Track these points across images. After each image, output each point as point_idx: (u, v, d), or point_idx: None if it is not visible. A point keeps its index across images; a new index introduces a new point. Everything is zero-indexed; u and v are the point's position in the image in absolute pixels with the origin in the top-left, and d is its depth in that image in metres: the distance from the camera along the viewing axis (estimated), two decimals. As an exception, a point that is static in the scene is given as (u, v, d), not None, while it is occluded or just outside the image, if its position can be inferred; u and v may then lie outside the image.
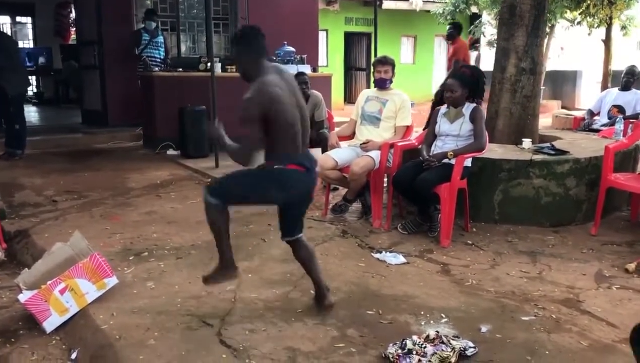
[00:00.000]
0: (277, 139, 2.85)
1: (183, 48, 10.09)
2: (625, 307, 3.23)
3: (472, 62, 11.81)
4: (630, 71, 6.59)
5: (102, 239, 4.26)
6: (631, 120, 5.92)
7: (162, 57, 8.91)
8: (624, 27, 13.29)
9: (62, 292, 3.10)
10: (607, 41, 13.30)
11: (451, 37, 8.79)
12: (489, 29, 14.98)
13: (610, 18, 12.62)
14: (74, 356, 2.83)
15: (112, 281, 3.31)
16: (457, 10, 14.72)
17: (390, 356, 2.59)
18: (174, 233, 4.41)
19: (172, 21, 9.85)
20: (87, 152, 7.99)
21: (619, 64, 11.99)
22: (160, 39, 8.97)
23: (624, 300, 3.31)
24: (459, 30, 8.80)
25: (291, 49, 8.59)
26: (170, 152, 7.72)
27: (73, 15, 13.06)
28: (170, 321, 2.99)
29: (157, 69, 8.49)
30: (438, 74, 18.19)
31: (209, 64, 7.26)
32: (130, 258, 3.91)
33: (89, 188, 5.82)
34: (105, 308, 3.14)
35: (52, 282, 3.10)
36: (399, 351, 2.60)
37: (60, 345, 2.96)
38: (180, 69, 8.26)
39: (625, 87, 6.57)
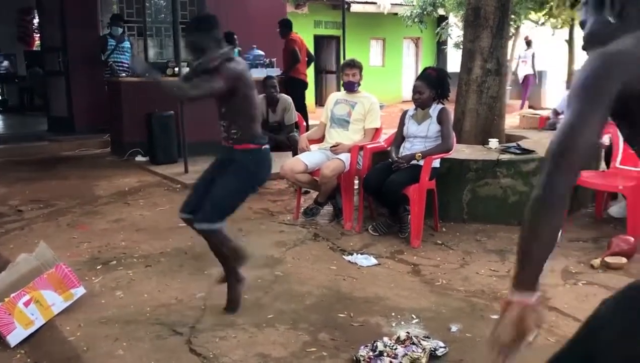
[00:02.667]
0: (251, 118, 3.06)
1: (151, 53, 9.97)
2: (590, 302, 3.29)
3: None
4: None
5: (69, 249, 4.19)
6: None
7: (129, 63, 8.80)
8: (586, 28, 13.56)
9: (26, 304, 3.02)
10: (570, 41, 13.58)
11: (284, 35, 8.66)
12: (455, 30, 15.16)
13: (573, 19, 12.88)
14: (40, 369, 2.77)
15: (79, 291, 3.25)
16: (425, 12, 14.90)
17: (362, 359, 2.60)
18: (142, 241, 4.35)
19: (139, 26, 9.74)
20: (54, 160, 7.85)
21: (581, 64, 12.24)
22: (127, 44, 8.87)
23: (589, 296, 3.37)
24: (288, 27, 8.66)
25: (260, 52, 8.58)
26: (139, 158, 7.62)
27: (37, 21, 12.82)
28: (140, 330, 2.95)
29: (124, 74, 8.39)
30: (407, 76, 18.37)
31: (176, 69, 7.19)
32: (98, 267, 3.84)
33: (55, 197, 5.72)
34: (72, 319, 3.08)
35: (16, 295, 3.02)
36: (370, 353, 2.61)
37: (25, 358, 2.88)
38: (147, 75, 8.15)
39: (588, 87, 6.70)
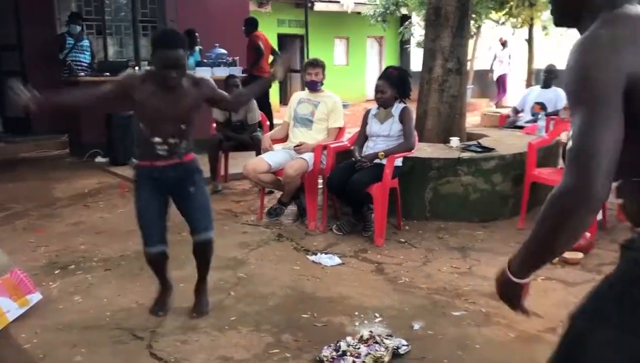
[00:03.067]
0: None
1: (110, 52, 9.79)
2: (549, 297, 3.36)
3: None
4: (549, 70, 6.88)
5: (26, 253, 4.07)
6: (552, 117, 6.18)
7: (88, 62, 8.61)
8: (544, 27, 13.89)
9: (-20, 311, 2.93)
10: (529, 41, 13.86)
11: (248, 33, 8.68)
12: (418, 30, 15.32)
13: (532, 19, 13.16)
14: (-6, 379, 2.69)
15: (35, 297, 3.16)
16: (388, 11, 15.01)
17: (325, 359, 2.59)
18: (102, 244, 4.26)
19: (98, 24, 9.55)
20: (10, 162, 7.63)
21: (541, 63, 12.53)
22: (86, 42, 8.68)
23: (548, 291, 3.44)
24: (253, 25, 8.67)
25: (223, 51, 8.51)
26: (99, 159, 7.46)
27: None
28: (99, 336, 2.88)
29: (83, 73, 8.19)
30: (371, 75, 18.46)
31: (136, 68, 7.07)
32: (56, 272, 3.75)
33: (11, 200, 5.55)
34: (28, 326, 2.99)
35: (-31, 302, 2.93)
36: (334, 353, 2.61)
37: (-21, 368, 2.80)
38: (108, 73, 7.99)
39: (545, 85, 6.85)
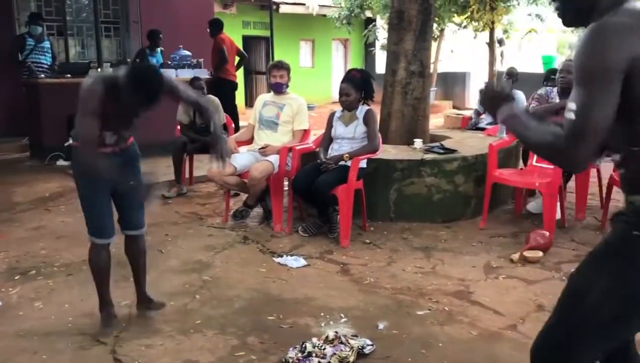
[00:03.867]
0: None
1: (72, 53, 9.63)
2: (510, 295, 3.44)
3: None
4: (510, 72, 7.04)
5: (-16, 259, 3.98)
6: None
7: (49, 63, 8.42)
8: (505, 31, 14.18)
9: (-64, 319, 2.85)
10: (490, 44, 14.12)
11: (213, 34, 8.69)
12: (382, 33, 15.45)
13: (493, 22, 13.40)
14: (-49, 388, 2.62)
15: (-6, 304, 3.10)
16: (352, 14, 15.10)
17: (291, 360, 2.61)
18: (64, 249, 4.19)
19: (59, 25, 9.38)
20: (-33, 166, 7.42)
21: (502, 65, 12.79)
22: (47, 44, 8.49)
23: (509, 289, 3.52)
24: (218, 26, 8.69)
25: (187, 52, 8.44)
26: (60, 162, 7.30)
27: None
28: (61, 342, 2.84)
29: (43, 75, 8.02)
30: (336, 77, 18.53)
31: (99, 69, 6.97)
32: (16, 277, 3.67)
33: (-32, 205, 5.41)
34: (-13, 333, 2.93)
35: None
36: (299, 355, 2.63)
37: None
38: (69, 75, 7.85)
39: (506, 88, 6.99)
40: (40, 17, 8.59)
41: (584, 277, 1.59)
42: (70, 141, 2.87)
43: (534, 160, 4.97)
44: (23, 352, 2.74)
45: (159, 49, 8.63)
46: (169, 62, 8.32)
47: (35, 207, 5.38)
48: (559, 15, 1.67)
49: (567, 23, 1.67)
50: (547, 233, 4.18)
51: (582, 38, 1.46)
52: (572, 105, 1.44)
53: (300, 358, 2.61)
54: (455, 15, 13.80)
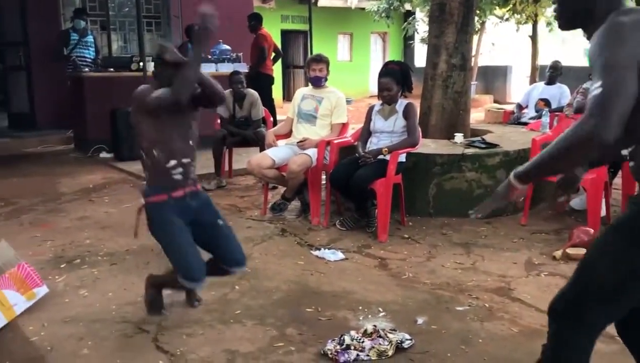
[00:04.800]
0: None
1: (114, 47, 9.82)
2: (552, 292, 3.32)
3: None
4: (554, 66, 6.87)
5: (32, 248, 4.10)
6: (556, 113, 6.18)
7: (92, 57, 8.64)
8: (549, 24, 13.84)
9: (-13, 304, 2.96)
10: (533, 37, 13.84)
11: (253, 29, 8.65)
12: (422, 26, 15.30)
13: (536, 15, 13.13)
14: (1, 371, 2.72)
15: (42, 290, 3.19)
16: (392, 7, 14.99)
17: (329, 352, 2.61)
18: (107, 239, 4.29)
19: (103, 20, 9.58)
20: (15, 157, 7.66)
21: (545, 59, 12.50)
22: (90, 38, 8.70)
23: (551, 286, 3.45)
24: (258, 21, 8.65)
25: (227, 47, 8.51)
26: (103, 154, 7.50)
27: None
28: (105, 329, 2.91)
29: (87, 69, 8.22)
30: (374, 71, 18.44)
31: (141, 64, 7.10)
32: (62, 266, 3.78)
33: (17, 195, 5.59)
34: (35, 319, 3.02)
35: (-23, 295, 2.96)
36: (338, 347, 2.63)
37: (-14, 360, 2.83)
38: (112, 69, 8.03)
39: (550, 82, 6.85)
40: (84, 12, 8.82)
41: (596, 247, 1.80)
42: (142, 200, 2.86)
43: (578, 155, 4.85)
44: (69, 337, 2.82)
45: None
46: (209, 57, 8.41)
47: (79, 198, 5.53)
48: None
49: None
50: (592, 231, 4.08)
51: (600, 34, 1.57)
52: (597, 83, 1.51)
53: (339, 350, 2.61)
54: (497, 7, 13.55)
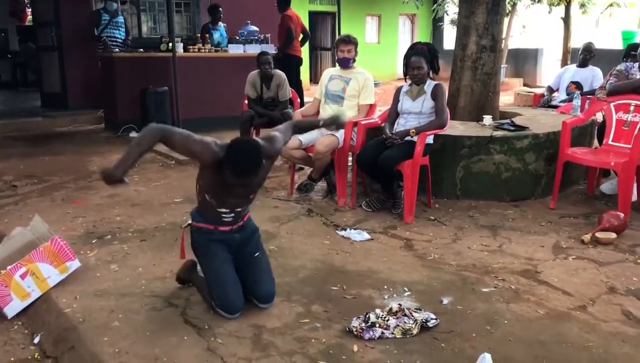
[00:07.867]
0: None
1: (144, 28, 9.92)
2: (580, 276, 3.34)
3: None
4: (587, 48, 6.72)
5: (64, 223, 4.20)
6: (588, 96, 6.06)
7: (122, 38, 8.73)
8: (582, 6, 13.54)
9: (23, 276, 3.05)
10: (566, 19, 13.53)
11: (281, 10, 8.46)
12: (452, 7, 15.07)
13: (570, -4, 12.83)
14: (36, 340, 2.80)
15: (74, 264, 3.27)
16: (421, -12, 14.77)
17: (354, 329, 2.64)
18: (137, 216, 4.37)
19: (133, 1, 9.66)
20: (47, 136, 7.83)
21: (578, 42, 12.22)
22: (121, 19, 8.79)
23: (579, 270, 3.42)
24: (286, 2, 8.47)
25: (254, 28, 8.53)
26: (133, 134, 7.58)
27: (28, -5, 12.68)
28: (135, 303, 2.98)
29: (117, 49, 8.32)
30: (402, 53, 18.27)
31: (170, 44, 7.15)
32: (93, 241, 3.87)
33: (49, 173, 5.72)
34: (68, 291, 3.11)
35: (13, 267, 3.05)
36: (363, 324, 2.65)
37: (22, 330, 2.93)
38: (142, 50, 8.11)
39: (582, 64, 6.71)
40: (116, -7, 8.90)
41: None
42: (189, 221, 2.91)
43: (609, 139, 4.76)
44: (101, 310, 2.90)
45: (221, 24, 8.71)
46: (237, 37, 8.43)
47: (110, 176, 5.61)
48: None
49: None
50: (622, 215, 4.02)
51: None
52: None
53: (364, 327, 2.63)
54: (528, -11, 13.28)
